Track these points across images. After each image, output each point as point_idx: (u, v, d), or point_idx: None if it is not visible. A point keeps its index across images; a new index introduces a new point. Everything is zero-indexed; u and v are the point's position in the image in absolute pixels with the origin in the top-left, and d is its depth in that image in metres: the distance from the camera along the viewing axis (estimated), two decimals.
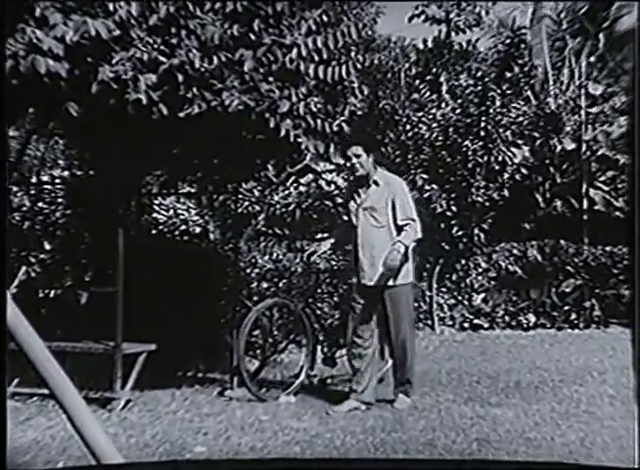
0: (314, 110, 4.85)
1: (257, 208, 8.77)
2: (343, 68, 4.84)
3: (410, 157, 9.66)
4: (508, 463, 3.14)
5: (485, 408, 5.02)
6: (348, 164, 5.04)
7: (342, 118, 5.04)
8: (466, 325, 9.96)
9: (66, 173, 8.47)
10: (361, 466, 2.42)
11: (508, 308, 10.12)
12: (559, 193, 11.38)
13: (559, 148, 11.20)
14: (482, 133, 9.39)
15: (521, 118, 9.79)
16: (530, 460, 3.68)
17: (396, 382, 5.18)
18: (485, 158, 9.45)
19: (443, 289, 10.20)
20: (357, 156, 4.95)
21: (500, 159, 9.54)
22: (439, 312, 10.00)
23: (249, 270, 8.13)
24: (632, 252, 2.08)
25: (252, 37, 4.66)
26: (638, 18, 6.98)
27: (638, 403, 2.70)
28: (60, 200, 7.55)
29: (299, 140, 4.87)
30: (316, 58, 4.81)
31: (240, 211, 8.41)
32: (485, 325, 9.96)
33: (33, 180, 7.47)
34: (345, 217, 5.22)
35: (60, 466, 3.68)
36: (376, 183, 5.01)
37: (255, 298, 7.34)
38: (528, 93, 10.63)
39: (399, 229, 4.93)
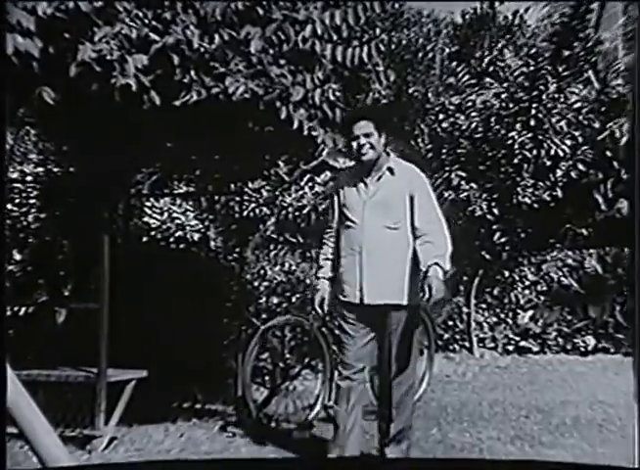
0: (332, 98, 4.79)
1: (266, 211, 8.78)
2: (366, 48, 4.79)
3: (445, 151, 9.61)
4: (508, 463, 3.19)
5: (536, 449, 4.98)
6: (354, 145, 4.43)
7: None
8: (510, 348, 9.91)
9: (39, 170, 8.46)
10: (361, 466, 2.74)
11: (562, 329, 10.04)
12: (624, 192, 11.24)
13: (624, 139, 11.06)
14: (532, 123, 9.28)
15: (579, 105, 9.64)
16: (530, 460, 3.91)
17: (387, 436, 4.53)
18: (535, 152, 9.35)
19: (483, 305, 10.16)
20: (367, 135, 4.40)
21: (552, 153, 9.42)
22: (479, 332, 9.95)
23: (256, 283, 8.13)
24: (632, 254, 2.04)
25: (260, 12, 4.64)
26: (638, 17, 7.18)
27: (638, 404, 2.93)
28: (32, 201, 7.59)
29: (315, 133, 4.80)
30: (334, 37, 4.77)
31: (246, 214, 8.42)
32: (535, 348, 9.90)
33: None
34: (347, 214, 4.55)
35: None
36: (391, 171, 4.47)
37: (264, 315, 7.34)
38: (590, 74, 10.50)
39: (416, 237, 4.42)
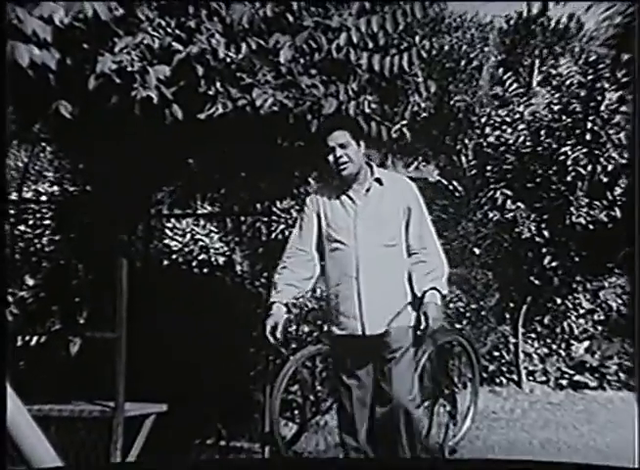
0: (367, 111, 4.82)
1: None
2: (405, 57, 4.80)
3: (490, 167, 9.58)
4: (509, 463, 3.26)
5: None
6: (330, 159, 4.27)
7: (403, 122, 4.99)
8: (564, 382, 9.78)
9: (54, 189, 8.58)
10: (361, 465, 2.86)
11: (622, 362, 9.89)
12: None
13: None
14: (588, 136, 9.21)
15: None
16: (530, 460, 3.92)
17: None
18: (590, 168, 9.28)
19: (532, 335, 10.06)
20: (342, 145, 4.24)
21: (610, 168, 9.33)
22: (528, 365, 9.85)
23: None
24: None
25: (290, 19, 4.68)
26: (638, 17, 7.26)
27: (638, 404, 2.94)
28: (46, 222, 7.66)
29: None
30: (370, 44, 4.79)
31: (274, 236, 8.43)
32: (592, 383, 9.76)
33: (13, 197, 7.55)
34: (334, 235, 4.32)
35: None
36: (379, 181, 4.33)
37: (294, 345, 7.32)
38: None
39: (409, 255, 4.30)
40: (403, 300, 4.25)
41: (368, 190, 4.31)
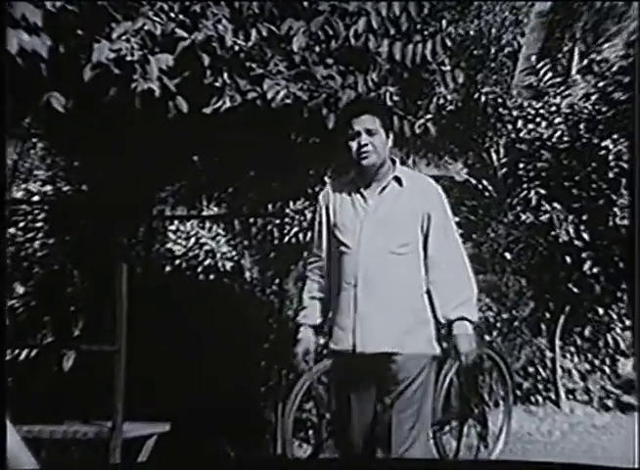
0: (389, 103, 4.80)
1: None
2: (429, 44, 4.79)
3: (523, 165, 9.54)
4: (508, 463, 3.15)
5: None
6: (353, 145, 4.07)
7: (428, 115, 4.96)
8: (610, 403, 9.69)
9: (47, 188, 8.60)
10: (361, 466, 2.91)
11: None
12: None
13: None
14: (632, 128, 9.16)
15: None
16: (530, 461, 4.03)
17: None
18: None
19: (571, 348, 9.99)
20: (370, 131, 4.05)
21: None
22: (567, 382, 9.79)
23: None
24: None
25: (304, 3, 4.69)
26: (638, 17, 7.48)
27: (639, 403, 2.90)
28: (38, 224, 7.68)
29: None
30: (392, 31, 4.79)
31: (286, 239, 8.42)
32: None
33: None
34: (340, 237, 4.16)
35: None
36: (398, 181, 4.15)
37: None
38: None
39: (428, 270, 4.11)
40: (414, 319, 4.05)
41: (384, 189, 4.13)
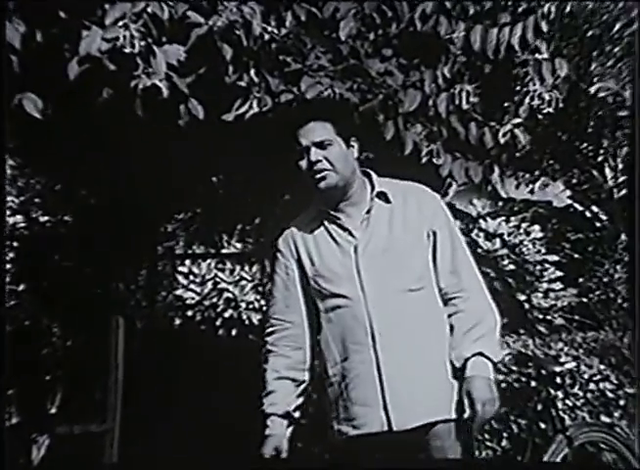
0: (465, 106, 4.81)
1: None
2: (519, 28, 4.80)
3: None
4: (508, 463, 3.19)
5: None
6: (303, 164, 3.97)
7: (517, 120, 4.95)
8: None
9: (17, 219, 8.68)
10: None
11: None
12: None
13: None
14: None
15: None
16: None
17: None
18: None
19: None
20: (321, 144, 3.95)
21: None
22: None
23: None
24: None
25: None
26: (638, 17, 7.95)
27: (638, 404, 3.01)
28: (6, 266, 7.74)
29: (437, 161, 4.84)
30: (470, 11, 4.81)
31: None
32: None
33: None
34: (329, 288, 4.05)
35: None
36: (383, 197, 4.08)
37: None
38: None
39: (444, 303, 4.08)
40: (446, 372, 4.00)
41: (368, 212, 4.03)
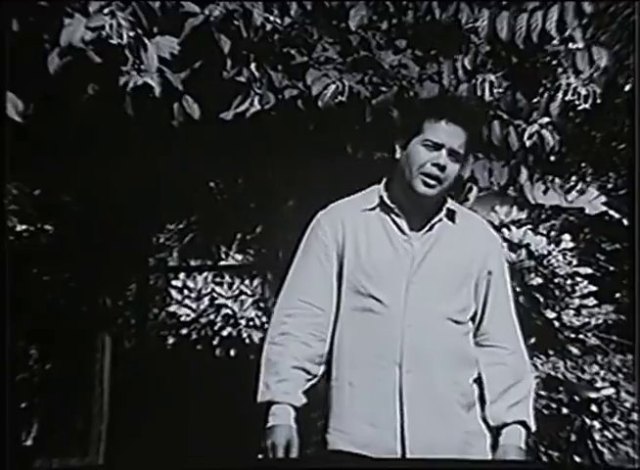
0: (488, 99, 4.81)
1: None
2: (552, 14, 4.77)
3: None
4: (509, 463, 3.51)
5: None
6: (422, 157, 3.89)
7: (546, 119, 4.92)
8: None
9: None
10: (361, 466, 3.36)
11: None
12: None
13: None
14: None
15: None
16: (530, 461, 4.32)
17: None
18: None
19: None
20: (454, 153, 3.92)
21: None
22: None
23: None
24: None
25: None
26: (638, 17, 8.09)
27: (639, 403, 2.93)
28: None
29: None
30: None
31: None
32: None
33: None
34: (368, 287, 3.98)
35: None
36: (451, 216, 4.06)
37: None
38: None
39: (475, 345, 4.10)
40: (475, 416, 4.04)
41: (433, 226, 3.99)
